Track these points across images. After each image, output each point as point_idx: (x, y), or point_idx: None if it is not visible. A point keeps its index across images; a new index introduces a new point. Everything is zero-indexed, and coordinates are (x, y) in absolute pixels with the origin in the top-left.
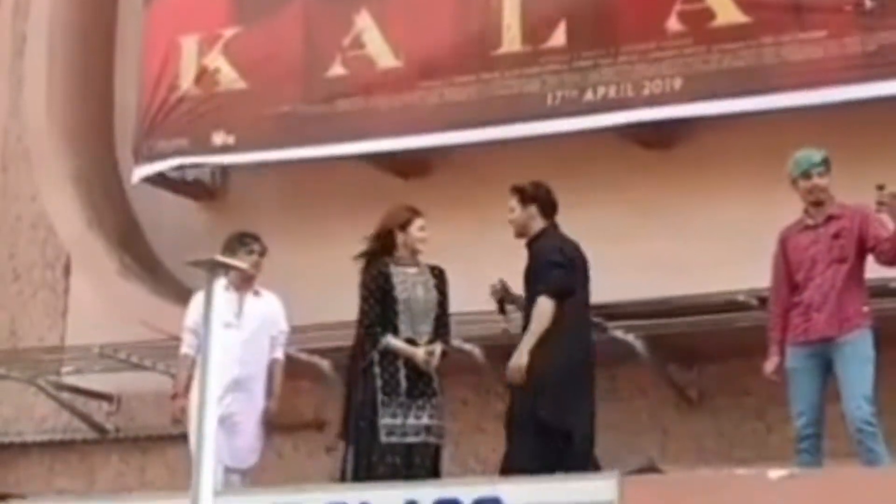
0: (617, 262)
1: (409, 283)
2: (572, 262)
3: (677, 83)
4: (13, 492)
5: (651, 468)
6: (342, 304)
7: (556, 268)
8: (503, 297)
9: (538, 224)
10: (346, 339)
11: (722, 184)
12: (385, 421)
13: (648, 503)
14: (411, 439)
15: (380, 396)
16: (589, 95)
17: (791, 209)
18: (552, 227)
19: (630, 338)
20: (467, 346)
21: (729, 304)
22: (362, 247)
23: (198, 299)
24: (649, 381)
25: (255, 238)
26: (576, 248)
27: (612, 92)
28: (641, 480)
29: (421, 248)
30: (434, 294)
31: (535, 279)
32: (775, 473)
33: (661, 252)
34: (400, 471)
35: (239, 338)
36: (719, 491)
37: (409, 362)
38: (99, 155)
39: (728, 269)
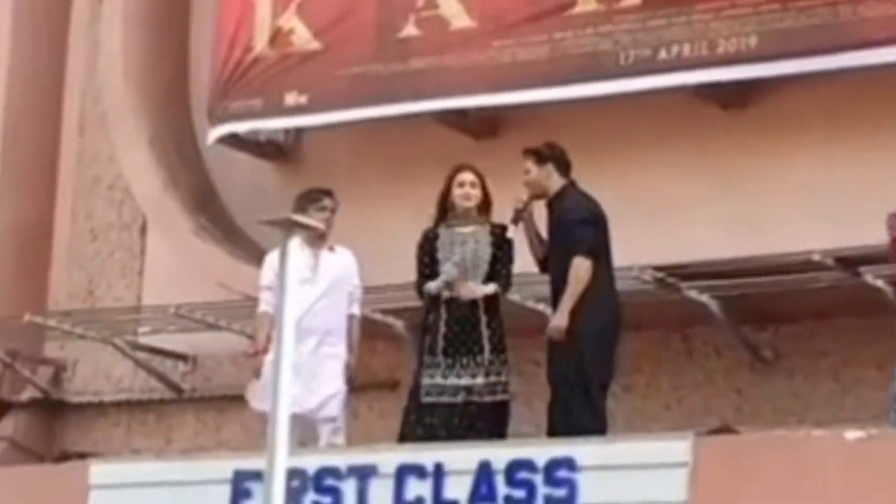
0: (690, 222)
1: (457, 241)
2: (599, 219)
3: (752, 41)
4: (91, 451)
5: (726, 429)
6: (415, 265)
7: (587, 225)
8: (522, 213)
9: (556, 182)
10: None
11: (798, 143)
12: (424, 381)
13: (723, 464)
14: (447, 399)
15: (424, 357)
16: (663, 54)
17: (866, 168)
18: (571, 185)
19: (704, 298)
20: (540, 307)
21: (805, 265)
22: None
23: (273, 257)
24: (724, 341)
25: (327, 193)
26: (597, 205)
27: (686, 50)
28: (716, 441)
29: (464, 203)
30: (487, 250)
31: (566, 238)
32: (852, 434)
33: (735, 212)
34: (438, 431)
35: (315, 293)
36: (795, 452)
37: (450, 321)
38: (175, 117)
39: (804, 228)
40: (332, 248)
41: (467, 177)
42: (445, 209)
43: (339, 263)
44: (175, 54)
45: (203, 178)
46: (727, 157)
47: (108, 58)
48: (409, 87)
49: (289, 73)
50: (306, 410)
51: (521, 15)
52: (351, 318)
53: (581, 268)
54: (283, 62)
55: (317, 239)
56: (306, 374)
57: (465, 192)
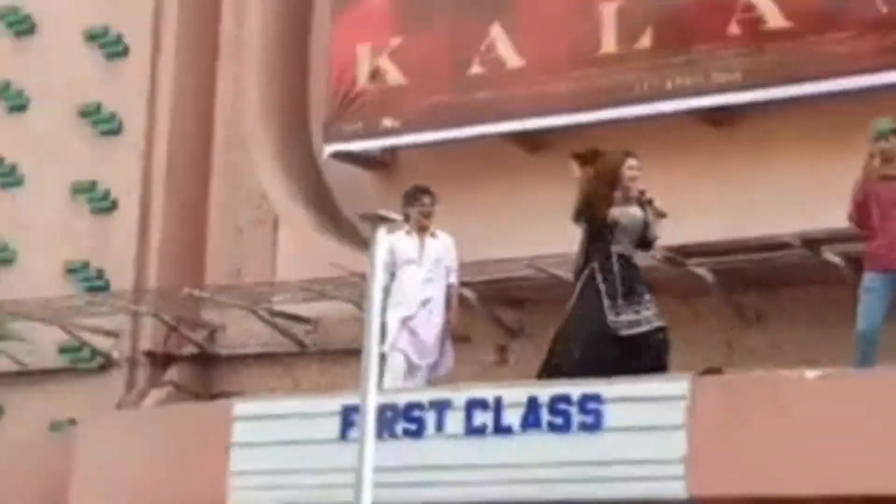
0: (690, 212)
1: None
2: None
3: (737, 75)
4: (236, 391)
5: (714, 370)
6: (488, 249)
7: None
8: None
9: None
10: (487, 273)
11: (775, 154)
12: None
13: (714, 396)
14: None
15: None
16: (669, 85)
17: (833, 172)
18: None
19: (703, 271)
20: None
21: (777, 245)
22: (508, 210)
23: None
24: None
25: (424, 191)
26: None
27: (687, 81)
28: (707, 380)
29: (631, 185)
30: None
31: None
32: (811, 374)
33: (726, 206)
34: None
35: (421, 272)
36: (769, 388)
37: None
38: (298, 138)
39: (780, 219)
40: (433, 234)
41: (634, 161)
42: (613, 184)
43: (440, 245)
44: (298, 86)
45: (320, 184)
46: (718, 166)
47: (245, 92)
48: (476, 114)
49: (384, 102)
50: (412, 357)
51: (561, 55)
52: (449, 287)
53: None
54: (380, 95)
55: (421, 228)
56: (412, 328)
57: (634, 175)
